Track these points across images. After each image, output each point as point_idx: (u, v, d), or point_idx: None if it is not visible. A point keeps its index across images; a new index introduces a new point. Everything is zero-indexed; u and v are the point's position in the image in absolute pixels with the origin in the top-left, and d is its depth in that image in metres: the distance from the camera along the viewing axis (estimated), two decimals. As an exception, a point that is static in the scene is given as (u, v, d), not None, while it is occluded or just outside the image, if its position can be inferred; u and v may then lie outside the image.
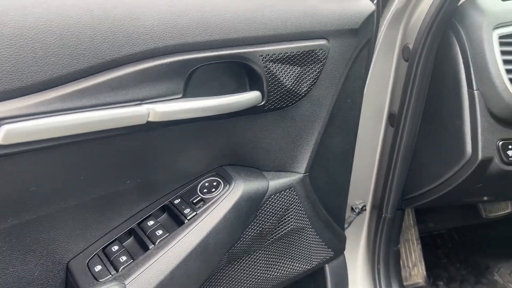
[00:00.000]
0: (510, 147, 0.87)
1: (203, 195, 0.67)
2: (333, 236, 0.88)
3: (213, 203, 0.65)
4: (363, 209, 1.14)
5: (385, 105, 1.02)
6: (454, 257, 1.50)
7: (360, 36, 0.73)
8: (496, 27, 0.83)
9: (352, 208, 1.15)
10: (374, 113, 1.03)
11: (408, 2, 0.90)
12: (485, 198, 1.10)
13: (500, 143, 0.87)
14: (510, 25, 0.83)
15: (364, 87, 0.84)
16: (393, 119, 1.00)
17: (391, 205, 1.08)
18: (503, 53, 0.82)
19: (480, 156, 0.87)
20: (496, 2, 0.86)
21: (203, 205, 0.65)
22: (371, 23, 0.74)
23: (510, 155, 0.87)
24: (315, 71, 0.69)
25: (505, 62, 0.82)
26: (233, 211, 0.66)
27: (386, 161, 1.05)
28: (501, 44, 0.82)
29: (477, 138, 0.87)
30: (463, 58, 0.87)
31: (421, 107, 0.97)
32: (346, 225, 1.10)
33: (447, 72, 0.90)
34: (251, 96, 0.63)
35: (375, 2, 0.79)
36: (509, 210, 1.45)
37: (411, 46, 0.91)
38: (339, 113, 0.78)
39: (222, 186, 0.67)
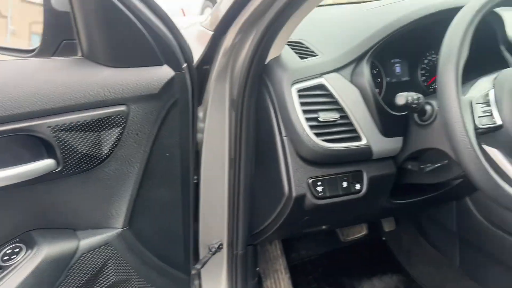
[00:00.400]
0: (319, 183, 0.99)
1: (3, 263, 0.69)
2: (170, 281, 0.94)
3: (11, 270, 0.68)
4: (219, 247, 1.21)
5: (225, 150, 1.12)
6: (323, 281, 1.61)
7: (163, 99, 0.81)
8: (295, 82, 0.96)
9: (209, 248, 1.21)
10: (218, 158, 1.12)
11: (227, 63, 1.01)
12: (324, 226, 1.22)
13: (310, 181, 0.99)
14: (306, 80, 0.96)
15: (187, 139, 0.93)
16: (232, 163, 1.10)
17: (240, 241, 1.17)
18: (302, 104, 0.95)
19: (294, 194, 0.98)
20: (296, 60, 0.99)
21: (1, 273, 0.67)
22: (174, 86, 0.83)
23: (319, 190, 0.99)
24: (115, 135, 0.75)
25: (304, 112, 0.95)
26: (34, 275, 0.69)
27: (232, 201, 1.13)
28: (300, 96, 0.95)
29: (290, 178, 0.98)
30: (273, 109, 0.99)
31: (252, 152, 1.07)
32: (199, 266, 1.16)
33: (265, 121, 1.02)
34: (42, 165, 0.68)
35: (184, 66, 0.89)
36: (364, 233, 1.61)
37: (235, 99, 1.02)
38: (157, 167, 0.85)
39: (24, 251, 0.70)
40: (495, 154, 0.86)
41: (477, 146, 0.77)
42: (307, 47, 1.03)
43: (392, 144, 1.03)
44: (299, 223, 1.11)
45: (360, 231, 1.58)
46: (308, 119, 0.95)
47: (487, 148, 0.86)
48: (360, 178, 1.03)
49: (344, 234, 1.57)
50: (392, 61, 1.16)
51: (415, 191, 1.19)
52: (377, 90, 1.12)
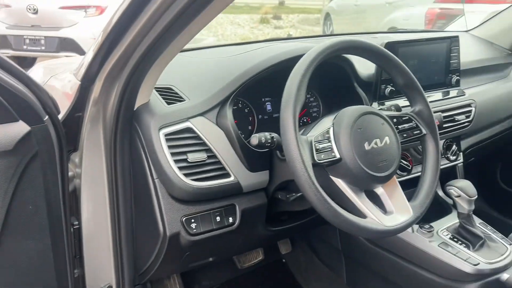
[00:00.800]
0: (192, 220, 1.05)
1: None
2: None
3: None
4: (108, 290, 1.22)
5: (105, 193, 1.14)
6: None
7: (20, 154, 0.83)
8: (162, 127, 1.02)
9: (97, 292, 1.21)
10: (98, 201, 1.12)
11: (98, 111, 1.04)
12: (211, 259, 1.27)
13: (184, 219, 1.04)
14: (173, 124, 1.03)
15: (55, 188, 0.94)
16: (112, 206, 1.12)
17: (127, 282, 1.18)
18: (170, 147, 1.01)
19: (168, 233, 1.03)
20: (163, 106, 1.06)
21: None
22: (32, 139, 0.85)
23: (193, 227, 1.05)
24: None
25: (173, 154, 1.01)
26: None
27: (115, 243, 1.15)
28: (168, 140, 1.01)
29: (163, 218, 1.03)
30: (143, 153, 1.04)
31: (130, 194, 1.11)
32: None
33: (138, 164, 1.06)
34: None
35: (46, 118, 0.91)
36: (260, 258, 1.69)
37: (108, 144, 1.05)
38: (20, 221, 0.85)
39: None
40: (340, 183, 0.98)
41: (315, 180, 0.87)
42: (176, 93, 1.10)
43: (259, 178, 1.12)
44: (182, 259, 1.15)
45: (257, 257, 1.66)
46: (177, 161, 1.01)
47: (334, 179, 0.98)
48: (233, 212, 1.11)
49: (241, 261, 1.63)
50: (263, 99, 1.27)
51: (290, 218, 1.29)
52: (249, 127, 1.22)
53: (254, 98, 1.23)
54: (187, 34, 0.86)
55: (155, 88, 1.08)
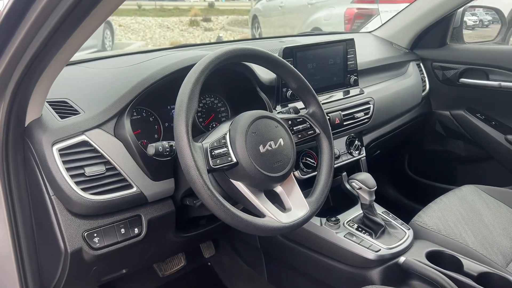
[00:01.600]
0: (95, 235, 1.04)
1: None
2: None
3: None
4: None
5: (3, 213, 1.09)
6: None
7: None
8: (56, 142, 0.99)
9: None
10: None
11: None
12: (124, 270, 1.26)
13: (85, 234, 1.03)
14: (67, 139, 1.01)
15: None
16: (11, 225, 1.07)
17: None
18: (66, 162, 0.99)
19: (69, 250, 1.01)
20: (55, 120, 1.03)
21: None
22: None
23: (96, 241, 1.04)
24: None
25: (69, 169, 0.99)
26: None
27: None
28: (62, 155, 0.99)
29: (63, 235, 1.01)
30: (38, 170, 1.00)
31: (29, 212, 1.07)
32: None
33: (34, 182, 1.03)
34: None
35: None
36: (183, 264, 1.69)
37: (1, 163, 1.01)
38: None
39: None
40: (240, 185, 1.01)
41: (210, 185, 0.90)
42: (71, 106, 1.07)
43: (164, 186, 1.13)
44: (90, 274, 1.13)
45: (179, 263, 1.66)
46: (73, 176, 0.99)
47: (234, 182, 1.01)
48: (138, 222, 1.11)
49: (162, 269, 1.63)
50: (169, 107, 1.27)
51: (208, 221, 1.31)
52: (155, 135, 1.23)
53: (158, 106, 1.23)
54: (72, 44, 0.84)
55: (48, 102, 1.05)
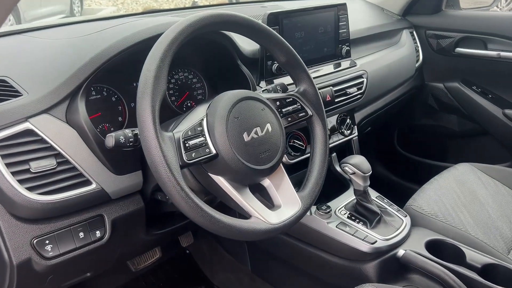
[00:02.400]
0: (47, 242, 0.87)
1: None
2: None
3: None
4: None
5: None
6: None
7: None
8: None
9: None
10: None
11: None
12: (88, 274, 1.10)
13: (35, 241, 0.86)
14: (6, 128, 0.82)
15: None
16: None
17: None
18: (4, 157, 0.80)
19: (15, 262, 0.84)
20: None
21: None
22: None
23: (49, 250, 0.87)
24: None
25: (9, 165, 0.81)
26: None
27: None
28: (0, 148, 0.80)
29: (6, 245, 0.83)
30: (-29, 167, 0.81)
31: None
32: None
33: None
34: None
35: None
36: (158, 256, 1.54)
37: None
38: None
39: None
40: (221, 181, 0.85)
41: (184, 185, 0.74)
42: (11, 86, 0.87)
43: (130, 181, 0.96)
44: (46, 283, 0.97)
45: (154, 255, 1.51)
46: (15, 173, 0.81)
47: (214, 176, 0.85)
48: (101, 224, 0.94)
49: (135, 263, 1.47)
50: (135, 84, 1.08)
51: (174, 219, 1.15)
52: (119, 118, 1.04)
53: (122, 83, 1.04)
54: None
55: (-18, 82, 0.85)
